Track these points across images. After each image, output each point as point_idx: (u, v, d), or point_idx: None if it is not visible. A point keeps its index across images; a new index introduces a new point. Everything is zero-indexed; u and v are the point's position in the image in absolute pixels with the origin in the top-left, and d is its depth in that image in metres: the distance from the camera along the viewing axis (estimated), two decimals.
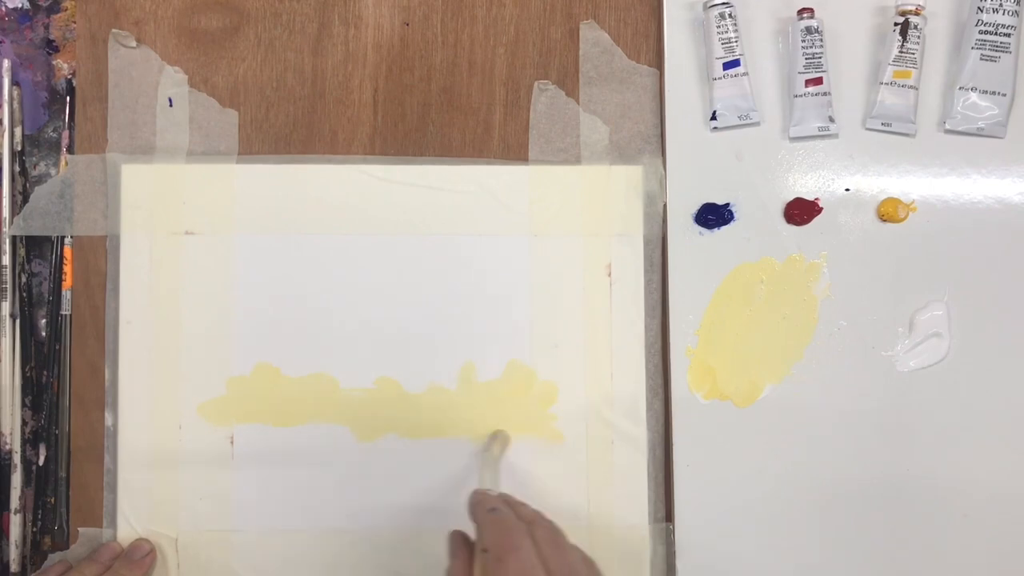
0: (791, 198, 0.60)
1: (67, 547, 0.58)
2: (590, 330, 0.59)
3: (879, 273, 0.59)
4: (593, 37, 0.61)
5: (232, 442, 0.59)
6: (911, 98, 0.59)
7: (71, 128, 0.60)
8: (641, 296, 0.60)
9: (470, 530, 0.48)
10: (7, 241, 0.58)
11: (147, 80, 0.60)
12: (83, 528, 0.58)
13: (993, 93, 0.58)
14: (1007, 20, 0.57)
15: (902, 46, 0.58)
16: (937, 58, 0.60)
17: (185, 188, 0.59)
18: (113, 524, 0.58)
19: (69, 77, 0.61)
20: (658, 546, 0.59)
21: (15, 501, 0.58)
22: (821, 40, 0.58)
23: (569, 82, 0.61)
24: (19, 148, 0.60)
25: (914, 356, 0.59)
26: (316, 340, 0.59)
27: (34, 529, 0.59)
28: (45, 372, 0.59)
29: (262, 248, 0.59)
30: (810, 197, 0.60)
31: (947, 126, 0.59)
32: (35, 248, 0.60)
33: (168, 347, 0.59)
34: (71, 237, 0.59)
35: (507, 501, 0.51)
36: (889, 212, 0.59)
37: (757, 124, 0.60)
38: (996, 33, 0.57)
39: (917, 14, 0.58)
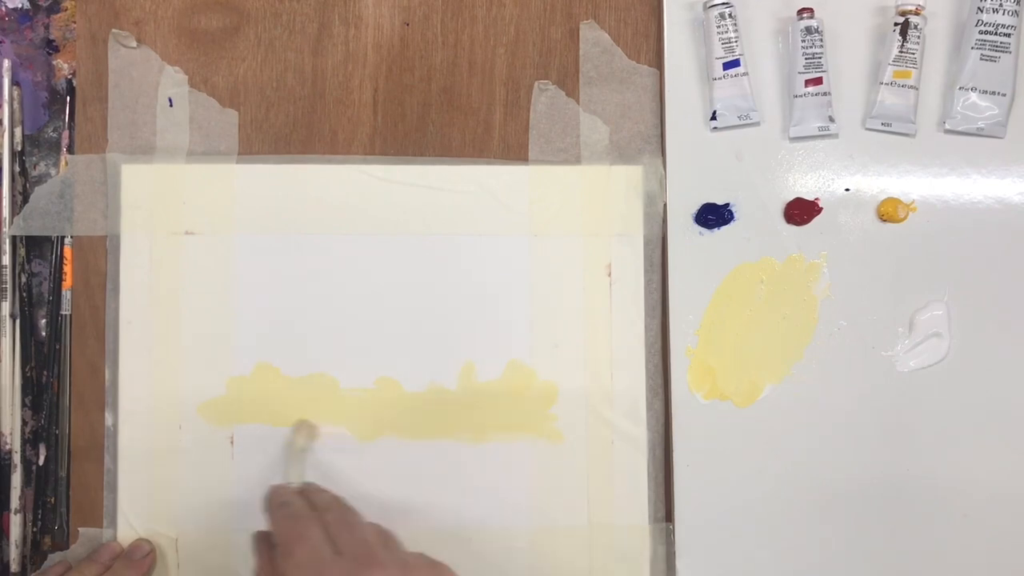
0: (791, 198, 0.60)
1: (67, 547, 0.58)
2: (590, 330, 0.59)
3: (879, 273, 0.59)
4: (593, 37, 0.61)
5: (232, 442, 0.58)
6: (911, 98, 0.59)
7: (71, 128, 0.60)
8: (641, 296, 0.60)
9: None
10: (7, 241, 0.58)
11: (147, 80, 0.60)
12: (83, 528, 0.58)
13: (993, 93, 0.58)
14: (1007, 20, 0.57)
15: (902, 46, 0.58)
16: (937, 58, 0.60)
17: (185, 188, 0.59)
18: (113, 524, 0.58)
19: (69, 77, 0.61)
20: (658, 546, 0.59)
21: (15, 501, 0.58)
22: (821, 40, 0.58)
23: (569, 82, 0.61)
24: (19, 148, 0.60)
25: (914, 356, 0.59)
26: (316, 340, 0.59)
27: (34, 529, 0.59)
28: (45, 372, 0.59)
29: (262, 248, 0.59)
30: (810, 197, 0.60)
31: (947, 126, 0.59)
32: (35, 248, 0.60)
33: (168, 347, 0.59)
34: (71, 237, 0.59)
35: (304, 492, 0.53)
36: (889, 212, 0.59)
37: (757, 124, 0.60)
38: (996, 33, 0.57)
39: (917, 14, 0.58)
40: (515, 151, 0.60)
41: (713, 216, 0.59)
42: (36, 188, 0.59)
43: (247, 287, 0.59)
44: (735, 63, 0.59)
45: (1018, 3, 0.57)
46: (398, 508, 0.58)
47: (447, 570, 0.47)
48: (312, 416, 0.59)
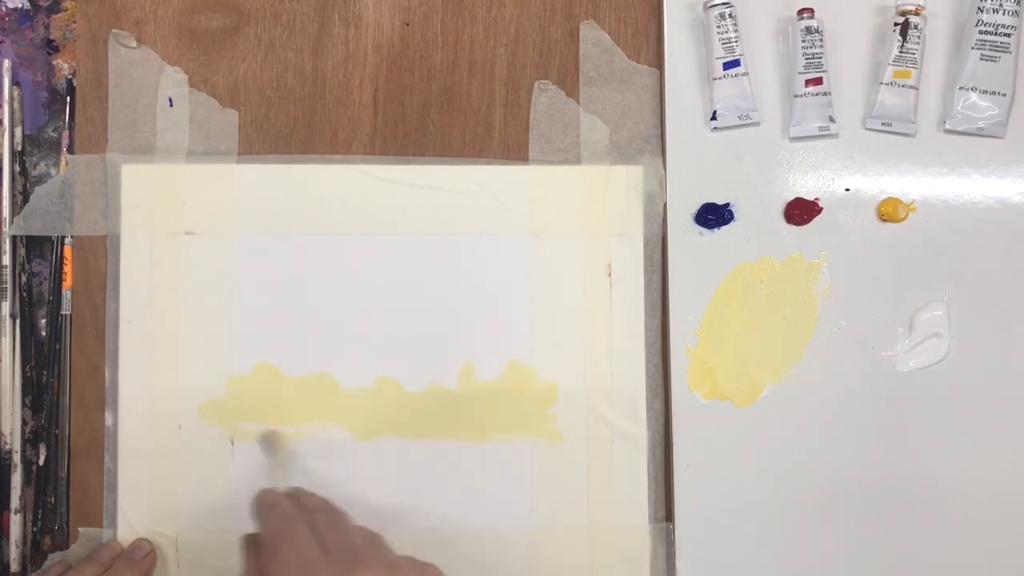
0: (791, 198, 0.60)
1: (67, 547, 0.58)
2: (590, 330, 0.59)
3: (879, 273, 0.59)
4: (593, 37, 0.61)
5: (232, 442, 0.59)
6: (911, 98, 0.59)
7: (71, 128, 0.60)
8: (641, 296, 0.60)
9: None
10: (7, 241, 0.58)
11: (147, 80, 0.60)
12: (83, 528, 0.58)
13: (993, 93, 0.58)
14: (1007, 20, 0.57)
15: (902, 46, 0.58)
16: (937, 58, 0.60)
17: (185, 188, 0.59)
18: (113, 524, 0.58)
19: (69, 77, 0.61)
20: (658, 546, 0.59)
21: (15, 501, 0.58)
22: (821, 40, 0.58)
23: (569, 82, 0.61)
24: (19, 148, 0.60)
25: (914, 356, 0.59)
26: (316, 340, 0.59)
27: (34, 529, 0.59)
28: (45, 372, 0.59)
29: (262, 248, 0.59)
30: (810, 197, 0.60)
31: (947, 126, 0.59)
32: (35, 248, 0.60)
33: (168, 347, 0.59)
34: (71, 237, 0.59)
35: (293, 495, 0.53)
36: (889, 212, 0.59)
37: (757, 124, 0.60)
38: (996, 33, 0.57)
39: (917, 14, 0.58)
40: (515, 151, 0.60)
41: (713, 216, 0.59)
42: (36, 188, 0.59)
43: (247, 287, 0.59)
44: (735, 63, 0.59)
45: (1018, 3, 0.57)
46: (398, 508, 0.58)
47: (436, 571, 0.47)
48: (312, 416, 0.59)
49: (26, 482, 0.59)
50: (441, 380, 0.59)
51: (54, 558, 0.57)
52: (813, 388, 0.59)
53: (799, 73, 0.58)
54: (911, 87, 0.58)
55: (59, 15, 0.61)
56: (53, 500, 0.59)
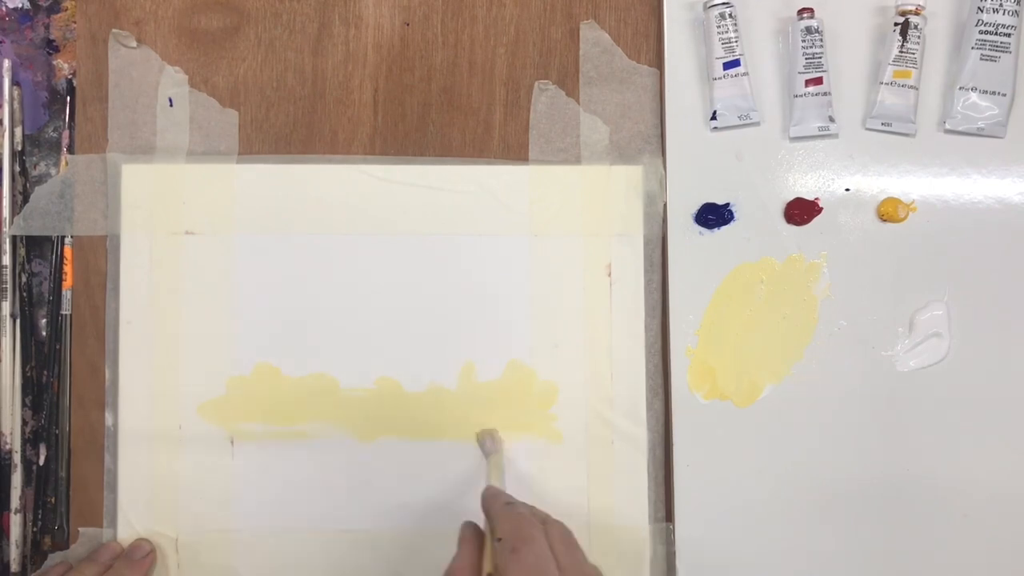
0: (791, 198, 0.60)
1: (67, 547, 0.58)
2: (590, 330, 0.59)
3: (879, 273, 0.59)
4: (593, 37, 0.61)
5: (232, 442, 0.59)
6: (911, 98, 0.59)
7: (71, 128, 0.60)
8: (641, 296, 0.60)
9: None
10: (7, 241, 0.58)
11: (147, 80, 0.60)
12: (83, 528, 0.58)
13: (993, 93, 0.58)
14: (1007, 20, 0.57)
15: (902, 46, 0.58)
16: (937, 58, 0.60)
17: (185, 188, 0.59)
18: (113, 524, 0.58)
19: (69, 77, 0.61)
20: (658, 546, 0.59)
21: (15, 501, 0.58)
22: (821, 40, 0.58)
23: (569, 82, 0.61)
24: (19, 148, 0.60)
25: (914, 356, 0.59)
26: (316, 340, 0.59)
27: (34, 529, 0.59)
28: (45, 372, 0.59)
29: (262, 248, 0.59)
30: (810, 197, 0.60)
31: (947, 126, 0.59)
32: (35, 248, 0.60)
33: (168, 347, 0.59)
34: (71, 237, 0.59)
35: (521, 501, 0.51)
36: (889, 212, 0.59)
37: (757, 124, 0.60)
38: (996, 33, 0.57)
39: (917, 14, 0.58)
40: (515, 151, 0.60)
41: (713, 216, 0.59)
42: (36, 188, 0.59)
43: (247, 287, 0.59)
44: (735, 63, 0.59)
45: (1018, 3, 0.57)
46: (398, 508, 0.59)
47: None
48: (312, 416, 0.59)
49: (26, 482, 0.59)
50: (441, 380, 0.59)
51: (54, 558, 0.57)
52: (813, 388, 0.59)
53: (799, 73, 0.58)
54: (911, 87, 0.58)
55: (59, 15, 0.61)
56: (53, 500, 0.59)
